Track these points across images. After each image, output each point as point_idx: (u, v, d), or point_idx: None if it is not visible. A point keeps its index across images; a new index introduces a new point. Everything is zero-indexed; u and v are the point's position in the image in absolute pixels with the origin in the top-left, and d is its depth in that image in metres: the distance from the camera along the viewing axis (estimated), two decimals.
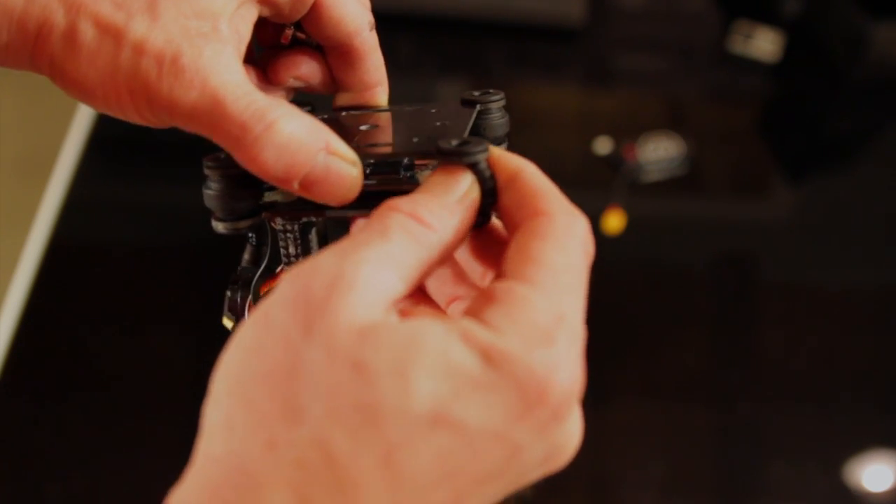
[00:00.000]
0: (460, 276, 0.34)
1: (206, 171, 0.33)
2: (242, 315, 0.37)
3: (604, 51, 1.16)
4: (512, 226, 0.30)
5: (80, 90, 0.33)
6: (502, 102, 0.36)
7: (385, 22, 0.42)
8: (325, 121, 0.34)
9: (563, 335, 0.27)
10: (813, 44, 1.12)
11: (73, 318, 0.88)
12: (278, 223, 0.36)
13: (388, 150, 0.34)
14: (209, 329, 0.97)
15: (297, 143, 0.31)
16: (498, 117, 0.37)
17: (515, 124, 0.37)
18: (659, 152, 0.98)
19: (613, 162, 0.97)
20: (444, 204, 0.29)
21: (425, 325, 0.26)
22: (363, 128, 0.36)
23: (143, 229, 0.96)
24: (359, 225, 0.36)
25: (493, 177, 0.30)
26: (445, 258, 0.29)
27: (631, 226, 0.91)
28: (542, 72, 1.13)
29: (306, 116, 0.32)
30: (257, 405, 0.26)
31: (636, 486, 0.77)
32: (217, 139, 0.32)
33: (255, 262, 0.38)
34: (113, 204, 0.99)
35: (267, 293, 0.37)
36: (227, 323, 0.38)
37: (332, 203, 0.32)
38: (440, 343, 0.26)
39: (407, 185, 0.33)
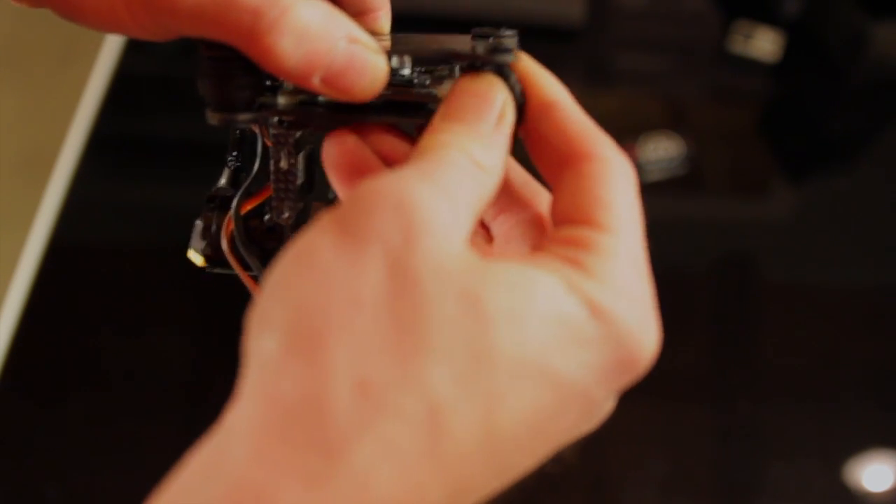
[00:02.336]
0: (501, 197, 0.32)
1: (203, 52, 0.29)
2: (217, 240, 0.34)
3: (604, 51, 1.16)
4: (557, 161, 0.28)
5: (71, 9, 0.29)
6: (515, 39, 0.32)
7: None
8: None
9: (649, 294, 0.26)
10: (813, 44, 1.12)
11: (73, 319, 0.88)
12: (271, 133, 0.32)
13: (406, 48, 0.30)
14: (209, 329, 0.98)
15: (317, 29, 0.27)
16: (510, 56, 0.34)
17: None
18: (659, 152, 0.98)
19: None
20: (493, 142, 0.27)
21: (532, 268, 0.24)
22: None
23: (143, 229, 0.96)
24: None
25: (522, 91, 0.29)
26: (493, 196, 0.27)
27: None
28: None
29: (324, 4, 0.28)
30: (344, 336, 0.22)
31: (636, 486, 0.77)
32: (225, 34, 0.27)
33: (234, 184, 0.35)
34: (113, 204, 0.99)
35: (249, 213, 0.34)
36: (195, 256, 0.35)
37: (357, 98, 0.29)
38: (551, 289, 0.24)
39: (422, 98, 0.30)
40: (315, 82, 0.28)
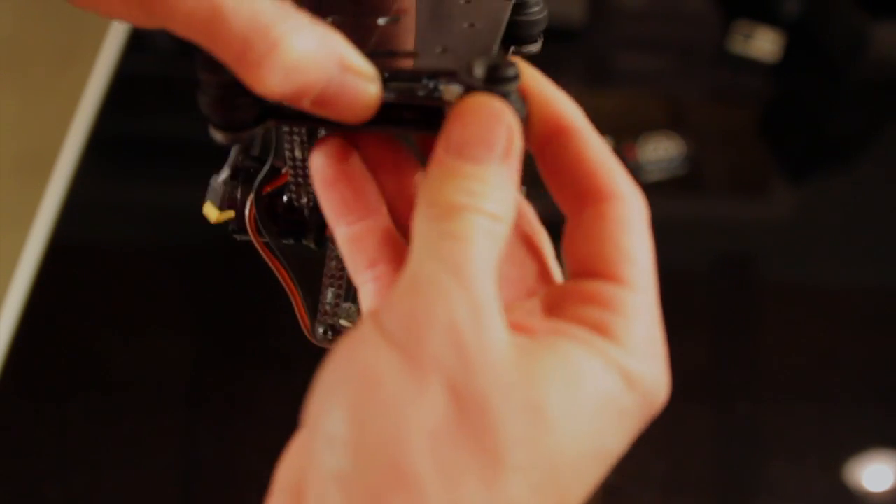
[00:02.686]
0: None
1: (201, 75, 0.29)
2: (242, 210, 0.34)
3: (604, 51, 1.16)
4: (575, 194, 0.28)
5: None
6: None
7: None
8: (336, 19, 0.30)
9: (664, 346, 0.27)
10: (813, 44, 1.12)
11: (72, 318, 0.88)
12: (283, 126, 0.32)
13: (408, 63, 0.29)
14: (209, 329, 0.98)
15: (307, 63, 0.27)
16: (537, 12, 0.32)
17: None
18: (659, 152, 0.98)
19: None
20: (503, 181, 0.26)
21: (569, 352, 0.25)
22: (381, 21, 0.31)
23: (144, 229, 0.96)
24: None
25: (524, 108, 0.28)
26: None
27: None
28: (542, 72, 1.12)
29: (317, 27, 0.27)
30: (434, 464, 0.23)
31: (636, 486, 0.77)
32: (217, 54, 0.27)
33: (258, 159, 0.35)
34: (113, 204, 0.99)
35: (270, 194, 0.34)
36: (211, 211, 0.35)
37: (348, 122, 0.28)
38: (592, 371, 0.25)
39: (428, 101, 0.29)
40: (305, 105, 0.28)
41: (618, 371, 0.26)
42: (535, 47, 0.33)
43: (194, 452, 0.79)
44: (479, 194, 0.26)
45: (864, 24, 1.08)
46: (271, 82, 0.26)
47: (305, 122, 0.30)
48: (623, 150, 0.97)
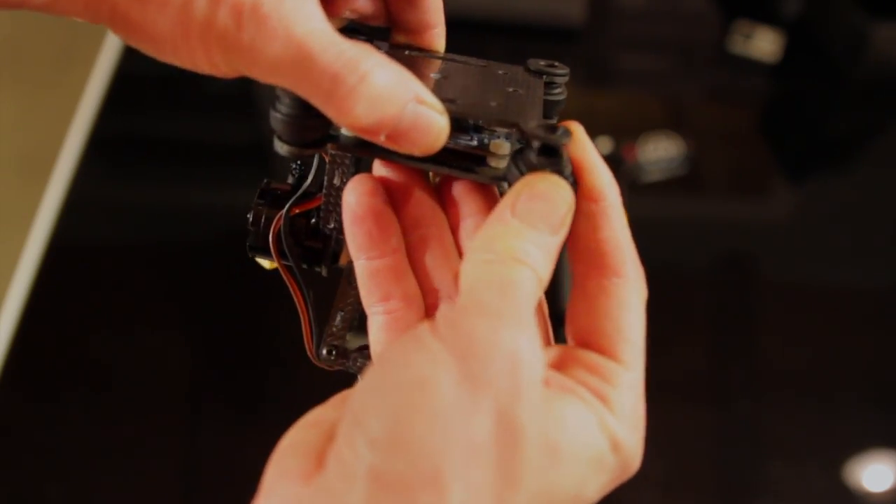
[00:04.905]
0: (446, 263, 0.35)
1: (279, 93, 0.31)
2: (265, 231, 0.36)
3: (604, 51, 1.16)
4: (587, 261, 0.31)
5: (146, 40, 0.30)
6: (566, 78, 0.35)
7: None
8: (396, 60, 0.32)
9: (644, 417, 0.31)
10: (813, 44, 1.12)
11: (72, 318, 0.88)
12: (329, 152, 0.35)
13: (470, 110, 0.32)
14: (209, 329, 0.98)
15: (389, 95, 0.29)
16: (559, 93, 0.36)
17: None
18: (659, 152, 0.98)
19: (613, 162, 0.97)
20: (552, 249, 0.30)
21: (576, 407, 0.29)
22: (433, 76, 0.34)
23: (144, 229, 0.96)
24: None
25: (572, 177, 0.31)
26: None
27: (631, 226, 0.90)
28: None
29: (395, 65, 0.30)
30: (466, 474, 0.25)
31: (636, 486, 0.77)
32: (303, 92, 0.30)
33: (294, 187, 0.37)
34: (113, 204, 0.99)
35: (299, 216, 0.36)
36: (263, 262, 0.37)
37: (417, 153, 0.31)
38: (591, 430, 0.29)
39: (476, 150, 0.32)
40: (381, 139, 0.30)
41: (608, 435, 0.29)
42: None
43: (194, 452, 0.79)
44: (534, 256, 0.29)
45: (864, 24, 1.08)
46: (359, 112, 0.29)
47: (363, 150, 0.33)
48: (623, 150, 0.97)
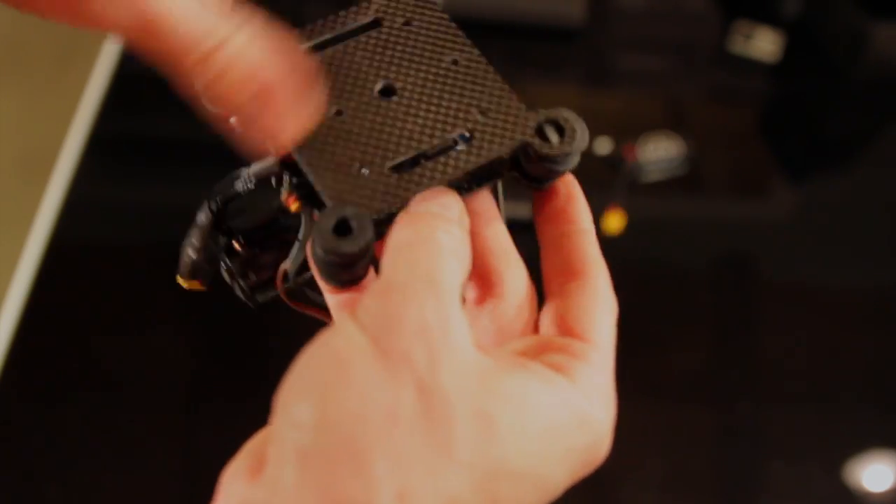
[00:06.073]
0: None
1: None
2: (251, 287, 0.36)
3: (604, 51, 1.16)
4: (564, 270, 0.32)
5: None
6: (583, 145, 0.32)
7: None
8: (331, 63, 0.31)
9: (613, 394, 0.30)
10: (813, 44, 1.12)
11: (72, 318, 0.88)
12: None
13: (439, 175, 0.31)
14: (209, 329, 0.98)
15: (246, 73, 0.28)
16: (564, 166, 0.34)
17: None
18: (659, 152, 0.98)
19: (613, 162, 0.97)
20: (460, 208, 0.30)
21: (530, 379, 0.28)
22: (378, 87, 0.32)
23: (144, 229, 0.96)
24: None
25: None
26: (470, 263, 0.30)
27: (631, 226, 0.90)
28: (542, 72, 1.12)
29: (262, 41, 0.28)
30: (387, 448, 0.25)
31: (636, 486, 0.77)
32: (150, 57, 0.28)
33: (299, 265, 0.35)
34: (113, 204, 0.99)
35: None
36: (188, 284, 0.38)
37: (281, 143, 0.30)
38: (548, 401, 0.28)
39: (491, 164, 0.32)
40: (232, 122, 0.29)
41: (571, 410, 0.28)
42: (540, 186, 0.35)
43: (194, 452, 0.79)
44: (445, 206, 0.30)
45: (864, 24, 1.08)
46: (212, 88, 0.28)
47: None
48: (623, 150, 0.97)
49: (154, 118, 1.06)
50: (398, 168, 0.31)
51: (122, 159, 1.03)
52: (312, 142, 0.30)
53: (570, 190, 0.33)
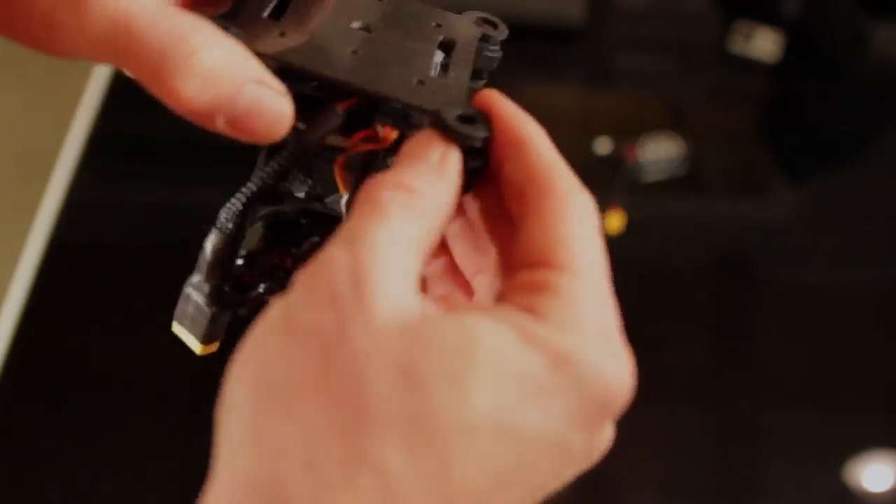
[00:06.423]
0: (481, 248, 0.31)
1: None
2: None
3: (604, 51, 1.16)
4: (519, 201, 0.28)
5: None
6: (505, 34, 0.34)
7: None
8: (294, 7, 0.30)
9: (615, 327, 0.26)
10: (813, 44, 1.12)
11: (73, 318, 0.88)
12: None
13: (390, 89, 0.30)
14: None
15: (224, 73, 0.27)
16: (495, 51, 0.35)
17: None
18: (659, 152, 0.98)
19: (613, 162, 0.97)
20: (428, 169, 0.27)
21: (474, 321, 0.24)
22: (355, 25, 0.32)
23: (144, 229, 0.96)
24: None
25: (486, 138, 0.28)
26: (445, 223, 0.27)
27: (631, 226, 0.90)
28: (542, 72, 1.12)
29: (232, 42, 0.28)
30: (289, 420, 0.23)
31: (635, 486, 0.77)
32: (129, 69, 0.27)
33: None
34: (113, 204, 0.99)
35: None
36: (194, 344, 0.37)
37: (261, 140, 0.29)
38: (497, 342, 0.24)
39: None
40: (220, 124, 0.28)
41: (537, 347, 0.24)
42: (480, 83, 0.33)
43: (194, 452, 0.79)
44: (398, 175, 0.27)
45: (864, 24, 1.08)
46: (189, 93, 0.27)
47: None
48: (623, 150, 0.98)
49: (154, 118, 1.05)
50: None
51: (122, 159, 1.03)
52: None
53: (502, 111, 0.29)
